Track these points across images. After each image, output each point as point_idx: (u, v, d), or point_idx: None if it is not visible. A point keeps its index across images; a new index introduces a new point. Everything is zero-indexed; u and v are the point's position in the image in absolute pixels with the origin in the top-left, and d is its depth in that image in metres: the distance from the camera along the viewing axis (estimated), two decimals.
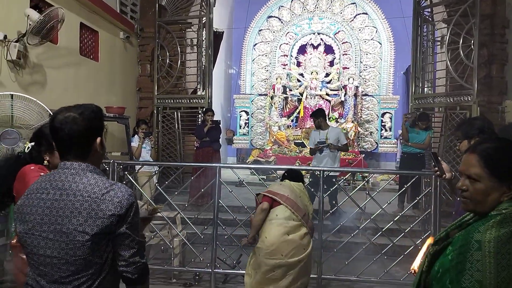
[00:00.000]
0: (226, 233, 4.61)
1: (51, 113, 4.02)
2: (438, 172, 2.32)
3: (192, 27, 8.05)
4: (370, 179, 8.45)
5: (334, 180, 5.20)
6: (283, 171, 3.71)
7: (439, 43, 7.24)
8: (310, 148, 6.10)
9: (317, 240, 4.29)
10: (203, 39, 7.81)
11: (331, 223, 4.65)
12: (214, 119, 6.99)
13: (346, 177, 5.75)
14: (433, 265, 1.38)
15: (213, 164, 4.69)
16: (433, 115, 6.99)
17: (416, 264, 1.65)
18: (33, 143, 2.30)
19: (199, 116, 7.99)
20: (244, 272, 4.50)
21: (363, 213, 4.44)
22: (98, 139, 1.60)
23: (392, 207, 4.63)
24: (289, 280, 3.10)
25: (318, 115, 5.95)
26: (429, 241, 1.79)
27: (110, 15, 6.85)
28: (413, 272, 1.63)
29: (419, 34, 6.97)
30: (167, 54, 7.87)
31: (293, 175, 3.44)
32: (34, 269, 1.55)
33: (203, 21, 7.74)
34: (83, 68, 6.23)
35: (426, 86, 7.00)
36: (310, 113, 6.69)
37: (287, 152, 11.69)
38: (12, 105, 3.93)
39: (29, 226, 1.52)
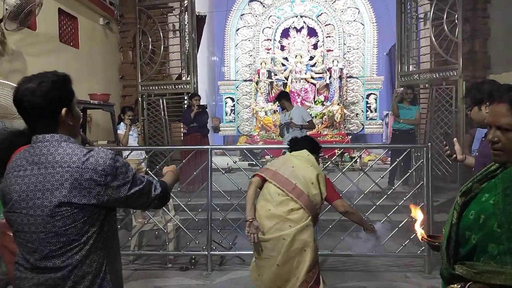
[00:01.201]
0: (220, 217, 4.58)
1: None
2: (448, 152, 2.28)
3: (173, 11, 7.88)
4: (357, 160, 8.50)
5: None
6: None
7: (422, 20, 7.24)
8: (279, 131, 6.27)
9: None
10: (186, 23, 7.67)
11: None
12: (200, 103, 6.92)
13: (333, 159, 5.72)
14: (462, 216, 1.37)
15: (205, 147, 4.62)
16: (418, 92, 7.02)
17: (419, 232, 1.64)
18: None
19: (185, 102, 7.90)
20: (240, 252, 4.52)
21: (357, 189, 4.44)
22: (64, 110, 1.52)
23: (382, 185, 4.64)
24: (281, 261, 2.72)
25: (280, 98, 6.16)
26: (414, 209, 1.81)
27: (89, 0, 6.66)
28: (421, 239, 1.62)
29: (403, 12, 6.96)
30: (149, 39, 7.70)
31: (292, 143, 3.15)
32: (22, 247, 1.51)
33: (185, 4, 7.58)
34: (63, 55, 6.05)
35: (411, 63, 7.02)
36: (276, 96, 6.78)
37: (274, 137, 11.66)
38: None
39: (10, 205, 1.49)
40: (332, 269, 4.32)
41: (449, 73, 6.16)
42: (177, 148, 5.41)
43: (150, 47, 7.69)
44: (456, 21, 5.96)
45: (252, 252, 4.39)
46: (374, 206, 4.20)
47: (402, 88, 6.60)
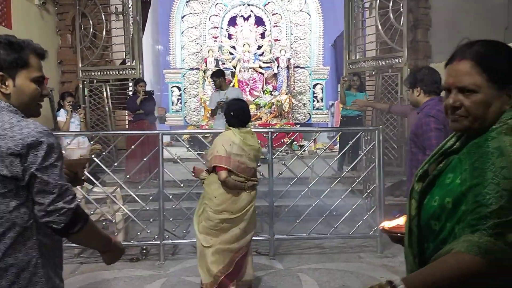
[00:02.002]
0: (172, 206, 4.41)
1: None
2: None
3: None
4: (306, 148, 8.59)
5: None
6: None
7: (367, 9, 7.39)
8: (211, 110, 6.17)
9: (268, 205, 4.26)
10: (130, 5, 7.31)
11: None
12: (146, 89, 6.64)
13: (282, 148, 5.66)
14: (422, 205, 1.19)
15: (155, 131, 4.41)
16: (365, 79, 7.20)
17: (384, 223, 1.43)
18: None
19: (130, 89, 7.56)
20: (194, 241, 4.38)
21: (312, 172, 4.45)
22: None
23: (331, 171, 4.70)
24: (238, 231, 3.13)
25: (219, 75, 6.12)
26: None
27: None
28: (382, 228, 1.44)
29: (350, 0, 7.07)
30: (90, 22, 7.27)
31: (228, 119, 3.20)
32: None
33: None
34: None
35: (357, 51, 7.17)
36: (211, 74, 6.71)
37: None
38: None
39: None
40: (287, 253, 4.31)
41: (395, 60, 6.35)
42: (125, 133, 5.10)
43: (91, 30, 7.26)
44: (402, 9, 6.14)
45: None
46: (328, 190, 4.22)
47: (348, 76, 6.74)
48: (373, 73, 6.83)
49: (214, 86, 6.15)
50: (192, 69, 12.41)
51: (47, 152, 1.34)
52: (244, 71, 12.16)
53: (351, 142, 4.35)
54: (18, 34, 5.17)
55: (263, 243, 4.37)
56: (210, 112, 6.34)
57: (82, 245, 1.66)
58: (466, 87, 1.13)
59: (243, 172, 3.09)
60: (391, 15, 6.27)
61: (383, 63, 6.54)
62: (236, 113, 3.15)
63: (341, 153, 5.26)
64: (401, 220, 1.36)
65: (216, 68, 12.06)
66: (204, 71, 12.17)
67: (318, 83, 12.28)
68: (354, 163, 4.75)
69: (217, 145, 3.09)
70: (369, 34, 7.19)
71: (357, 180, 4.14)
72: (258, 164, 3.48)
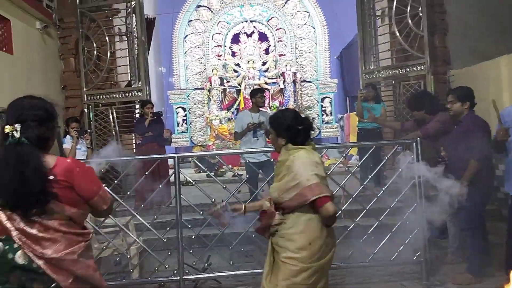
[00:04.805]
0: (191, 235, 4.03)
1: None
2: None
3: (119, 13, 7.24)
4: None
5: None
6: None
7: (379, 16, 7.10)
8: (236, 132, 5.53)
9: None
10: (134, 26, 7.05)
11: None
12: (154, 111, 6.32)
13: None
14: None
15: (170, 155, 4.06)
16: (380, 89, 6.87)
17: None
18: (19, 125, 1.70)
19: (137, 111, 7.24)
20: (216, 274, 3.98)
21: (344, 192, 4.07)
22: None
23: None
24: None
25: (263, 92, 5.59)
26: None
27: (23, 0, 5.88)
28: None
29: (362, 9, 6.80)
30: (94, 45, 6.99)
31: (292, 136, 2.34)
32: None
33: (132, 6, 6.96)
34: None
35: (372, 60, 6.87)
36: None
37: (230, 146, 11.20)
38: None
39: None
40: None
41: (416, 68, 6.02)
42: (136, 158, 4.73)
43: (95, 52, 6.98)
44: (421, 14, 5.84)
45: (229, 273, 3.95)
46: (365, 211, 3.83)
47: (366, 88, 6.41)
48: (392, 82, 6.49)
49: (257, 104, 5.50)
50: (196, 88, 12.17)
51: None
52: (250, 87, 11.88)
53: (386, 157, 3.97)
54: (19, 60, 4.83)
55: None
56: (234, 134, 5.73)
57: None
58: None
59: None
60: (409, 21, 5.96)
61: (403, 71, 6.21)
62: (304, 124, 2.36)
63: (378, 167, 4.71)
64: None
65: (222, 88, 11.84)
66: (209, 90, 11.93)
67: (326, 97, 11.99)
68: (393, 178, 4.24)
69: (301, 172, 2.21)
70: (383, 42, 6.88)
71: (396, 199, 3.74)
72: None
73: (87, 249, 1.81)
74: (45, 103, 1.83)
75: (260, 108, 5.58)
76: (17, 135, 1.67)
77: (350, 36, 13.05)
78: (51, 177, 1.67)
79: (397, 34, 6.13)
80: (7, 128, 1.69)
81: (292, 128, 2.32)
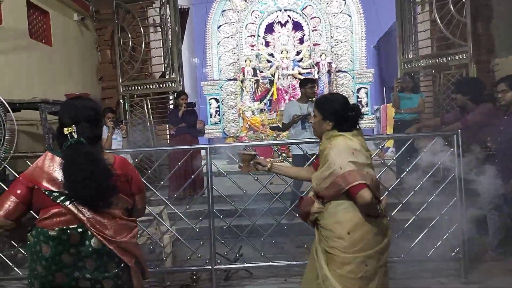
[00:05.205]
0: (223, 225, 4.03)
1: (3, 100, 3.29)
2: None
3: (153, 4, 7.30)
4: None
5: None
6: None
7: (419, 3, 6.82)
8: (283, 123, 5.31)
9: None
10: (168, 16, 7.09)
11: None
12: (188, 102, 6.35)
13: None
14: None
15: (202, 146, 4.05)
16: (419, 79, 6.62)
17: None
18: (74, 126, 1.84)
19: (170, 102, 7.33)
20: (247, 265, 3.98)
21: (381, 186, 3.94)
22: None
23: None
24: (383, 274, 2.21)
25: (313, 82, 5.35)
26: None
27: None
28: None
29: None
30: (129, 36, 7.10)
31: (336, 121, 2.24)
32: None
33: None
34: (35, 53, 5.41)
35: (411, 49, 6.62)
36: (300, 82, 5.80)
37: (263, 138, 11.15)
38: None
39: None
40: None
41: (457, 56, 5.75)
42: (170, 148, 4.78)
43: (130, 44, 7.08)
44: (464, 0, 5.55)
45: (260, 264, 3.93)
46: (401, 205, 3.70)
47: (403, 77, 6.19)
48: (432, 71, 6.23)
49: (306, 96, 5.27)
50: (229, 79, 12.16)
51: None
52: (283, 78, 11.78)
53: (425, 150, 3.79)
54: (58, 52, 4.93)
55: None
56: (281, 125, 5.49)
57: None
58: None
59: (376, 189, 2.18)
60: (451, 7, 5.69)
61: (443, 60, 5.94)
62: (354, 110, 2.25)
63: (416, 160, 4.53)
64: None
65: (255, 79, 11.77)
66: (242, 81, 11.89)
67: (362, 87, 11.72)
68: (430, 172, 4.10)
69: (336, 159, 2.13)
70: (423, 30, 6.61)
71: (435, 193, 3.59)
72: None
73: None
74: (95, 104, 1.98)
75: (310, 99, 5.37)
76: (75, 135, 1.81)
77: (388, 24, 12.69)
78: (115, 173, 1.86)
79: (438, 21, 5.87)
80: (67, 130, 1.82)
81: (340, 112, 2.23)
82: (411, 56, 6.51)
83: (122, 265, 1.86)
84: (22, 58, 5.06)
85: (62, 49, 6.16)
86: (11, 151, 3.67)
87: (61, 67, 6.13)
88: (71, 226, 1.78)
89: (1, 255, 3.99)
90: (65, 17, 6.33)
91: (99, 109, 1.99)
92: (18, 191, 1.79)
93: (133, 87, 7.11)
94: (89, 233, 1.78)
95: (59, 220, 1.78)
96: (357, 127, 2.26)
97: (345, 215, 2.14)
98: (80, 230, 1.78)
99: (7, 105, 3.36)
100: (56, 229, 1.77)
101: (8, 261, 3.87)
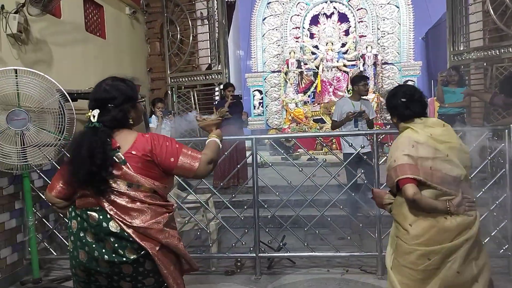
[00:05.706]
0: (267, 215, 4.13)
1: (63, 90, 3.51)
2: None
3: None
4: None
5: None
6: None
7: None
8: (334, 120, 5.09)
9: (374, 216, 3.81)
10: (215, 9, 7.23)
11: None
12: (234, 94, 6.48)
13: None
14: None
15: (248, 136, 4.16)
16: (469, 72, 6.39)
17: None
18: (96, 110, 1.86)
19: (216, 93, 7.50)
20: (291, 254, 4.07)
21: None
22: None
23: None
24: (451, 274, 2.06)
25: (367, 79, 5.24)
26: None
27: None
28: None
29: None
30: (178, 29, 7.31)
31: (398, 112, 2.23)
32: None
33: None
34: (91, 46, 5.69)
35: (462, 41, 6.40)
36: (352, 78, 5.67)
37: (306, 130, 11.16)
38: (17, 81, 3.41)
39: None
40: None
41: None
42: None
43: (178, 36, 7.29)
44: None
45: (303, 254, 4.01)
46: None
47: (447, 71, 6.01)
48: (484, 64, 6.00)
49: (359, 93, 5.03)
50: (273, 71, 12.22)
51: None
52: (328, 70, 11.71)
53: (474, 145, 3.71)
54: (111, 44, 5.19)
55: (370, 260, 3.92)
56: (332, 123, 5.30)
57: None
58: None
59: (442, 184, 2.03)
60: None
61: (496, 53, 5.72)
62: (407, 95, 2.19)
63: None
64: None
65: (299, 71, 11.74)
66: (286, 73, 11.92)
67: (409, 80, 11.43)
68: (484, 162, 3.95)
69: (393, 152, 2.13)
70: (475, 21, 6.36)
71: (483, 190, 3.51)
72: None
73: (171, 220, 1.91)
74: (122, 85, 1.90)
75: (362, 97, 5.14)
76: (93, 120, 1.82)
77: (437, 15, 12.25)
78: (130, 153, 1.82)
79: (491, 12, 5.64)
80: (86, 115, 1.87)
81: (394, 104, 2.23)
82: (461, 48, 6.30)
83: (142, 252, 1.78)
84: (78, 50, 5.35)
85: (115, 41, 6.43)
86: (70, 139, 3.92)
87: (114, 59, 6.41)
88: (91, 208, 1.80)
89: (59, 235, 4.29)
90: (118, 11, 6.61)
91: (126, 90, 1.91)
92: (63, 172, 1.90)
93: (181, 79, 7.33)
94: (108, 216, 1.77)
95: (85, 201, 1.82)
96: (424, 112, 2.16)
97: (404, 208, 2.12)
98: (99, 212, 1.78)
99: (67, 95, 3.56)
100: (81, 208, 1.83)
101: (65, 241, 4.14)
